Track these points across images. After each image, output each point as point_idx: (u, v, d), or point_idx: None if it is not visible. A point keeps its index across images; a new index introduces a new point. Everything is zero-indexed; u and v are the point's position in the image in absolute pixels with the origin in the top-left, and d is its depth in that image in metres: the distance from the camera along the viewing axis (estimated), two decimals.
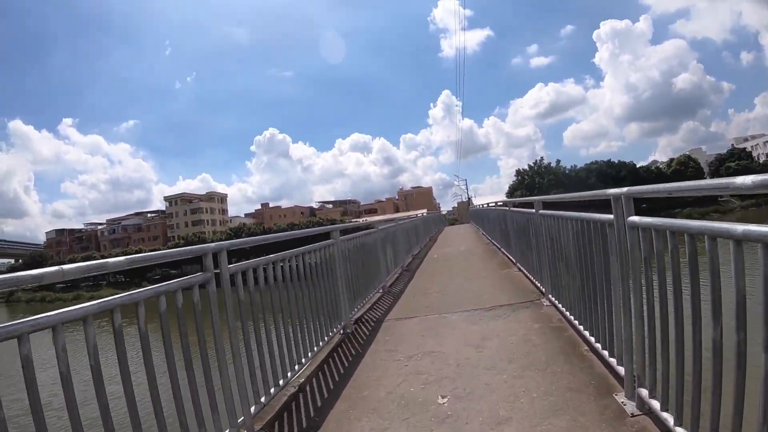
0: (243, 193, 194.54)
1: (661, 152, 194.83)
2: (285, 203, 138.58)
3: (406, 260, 12.16)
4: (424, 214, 27.19)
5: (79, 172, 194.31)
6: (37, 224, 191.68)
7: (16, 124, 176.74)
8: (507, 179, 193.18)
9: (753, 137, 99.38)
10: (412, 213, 63.90)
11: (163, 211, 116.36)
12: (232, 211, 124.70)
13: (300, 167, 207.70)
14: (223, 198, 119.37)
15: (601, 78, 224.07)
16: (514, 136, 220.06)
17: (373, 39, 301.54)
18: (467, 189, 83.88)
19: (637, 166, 78.71)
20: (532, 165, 79.76)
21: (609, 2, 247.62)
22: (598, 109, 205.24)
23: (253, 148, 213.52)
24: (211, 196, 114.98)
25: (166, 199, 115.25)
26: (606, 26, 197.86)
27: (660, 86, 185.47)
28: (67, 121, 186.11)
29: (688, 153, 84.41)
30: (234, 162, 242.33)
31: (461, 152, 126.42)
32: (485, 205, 21.09)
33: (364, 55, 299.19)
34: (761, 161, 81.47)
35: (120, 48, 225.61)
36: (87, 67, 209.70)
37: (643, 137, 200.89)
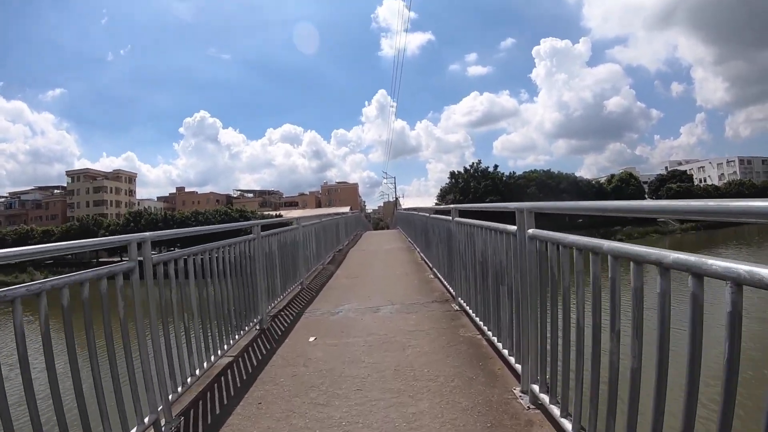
0: (168, 175, 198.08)
1: (586, 169, 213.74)
2: (210, 188, 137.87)
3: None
4: (347, 214, 25.60)
5: None
6: None
7: None
8: (435, 183, 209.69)
9: (688, 161, 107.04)
10: (331, 210, 63.59)
11: (63, 187, 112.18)
12: (149, 193, 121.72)
13: (228, 153, 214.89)
14: (131, 177, 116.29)
15: (535, 93, 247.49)
16: (444, 141, 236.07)
17: (317, 30, 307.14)
18: (395, 188, 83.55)
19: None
20: (468, 168, 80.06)
21: (551, 21, 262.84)
22: (530, 123, 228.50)
23: (182, 129, 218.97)
24: (117, 175, 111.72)
25: (68, 174, 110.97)
26: (546, 44, 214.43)
27: (591, 107, 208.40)
28: None
29: (621, 172, 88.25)
30: (161, 142, 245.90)
31: (391, 152, 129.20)
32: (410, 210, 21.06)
33: (304, 46, 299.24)
34: (702, 185, 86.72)
35: (53, 10, 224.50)
36: (16, 27, 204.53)
37: (570, 153, 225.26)
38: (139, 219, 73.08)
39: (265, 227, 6.60)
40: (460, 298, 6.38)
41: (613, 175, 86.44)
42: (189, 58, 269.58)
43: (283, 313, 7.04)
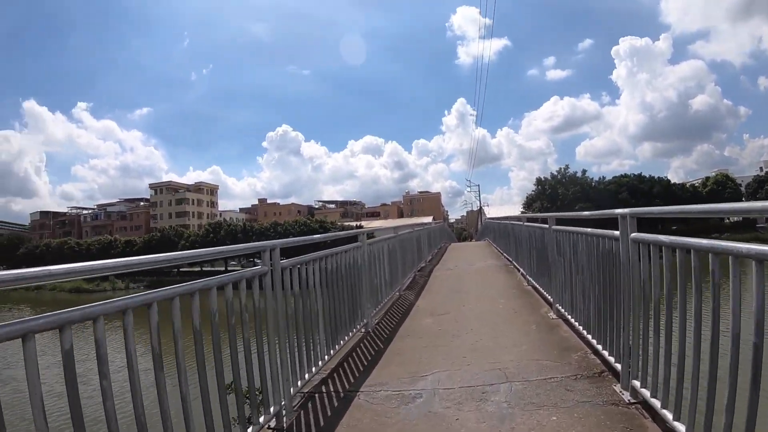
0: (252, 187, 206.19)
1: (674, 173, 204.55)
2: (293, 200, 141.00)
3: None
4: (430, 224, 21.61)
5: (91, 156, 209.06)
6: (45, 204, 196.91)
7: (31, 105, 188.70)
8: (518, 191, 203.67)
9: None
10: (413, 220, 62.85)
11: (147, 200, 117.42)
12: (234, 205, 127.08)
13: (310, 166, 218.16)
14: (213, 189, 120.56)
15: (617, 95, 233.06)
16: (526, 148, 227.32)
17: (392, 42, 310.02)
18: (479, 196, 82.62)
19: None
20: (555, 174, 78.71)
21: (629, 19, 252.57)
22: (613, 127, 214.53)
23: (265, 144, 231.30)
24: (199, 187, 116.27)
25: (151, 186, 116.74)
26: (625, 43, 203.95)
27: (676, 107, 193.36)
28: (82, 104, 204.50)
29: (716, 174, 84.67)
30: (245, 156, 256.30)
31: (473, 161, 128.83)
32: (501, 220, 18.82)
33: (381, 58, 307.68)
34: None
35: (138, 36, 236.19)
36: (104, 53, 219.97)
37: (656, 157, 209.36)
38: (219, 230, 75.64)
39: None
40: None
41: (707, 178, 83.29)
42: (269, 75, 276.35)
43: (322, 392, 4.50)
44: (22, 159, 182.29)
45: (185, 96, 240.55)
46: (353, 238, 6.65)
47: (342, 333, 5.56)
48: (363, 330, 6.47)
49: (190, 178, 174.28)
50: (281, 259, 4.04)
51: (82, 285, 64.34)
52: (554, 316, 6.66)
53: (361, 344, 6.00)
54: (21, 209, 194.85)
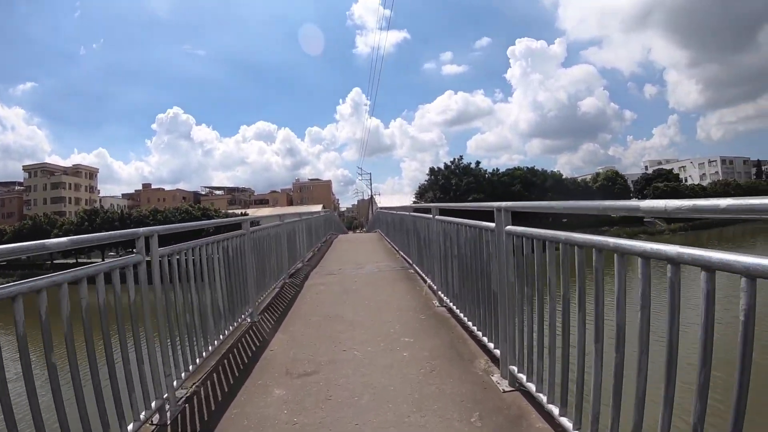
0: (140, 172, 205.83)
1: (560, 168, 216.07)
2: (182, 186, 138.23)
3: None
4: (314, 214, 18.43)
5: None
6: None
7: None
8: (409, 181, 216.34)
9: (668, 161, 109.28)
10: (302, 209, 62.14)
11: (21, 183, 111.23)
12: (121, 191, 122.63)
13: (201, 150, 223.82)
14: (92, 173, 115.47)
15: (510, 93, 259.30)
16: (419, 139, 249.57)
17: (291, 28, 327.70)
18: (371, 185, 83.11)
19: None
20: (449, 164, 79.75)
21: (527, 22, 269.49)
22: (504, 123, 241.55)
23: (154, 126, 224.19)
24: (77, 170, 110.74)
25: (25, 169, 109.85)
26: (521, 44, 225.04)
27: (566, 107, 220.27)
28: None
29: (607, 170, 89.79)
30: (134, 139, 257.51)
31: (366, 150, 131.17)
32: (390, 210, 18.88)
33: (279, 43, 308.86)
34: (688, 185, 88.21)
35: (24, 2, 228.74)
36: None
37: (544, 153, 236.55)
38: (95, 218, 72.42)
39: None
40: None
41: (598, 173, 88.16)
42: (163, 53, 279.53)
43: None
44: None
45: (73, 71, 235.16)
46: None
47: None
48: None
49: (74, 160, 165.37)
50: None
51: None
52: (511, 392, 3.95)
53: None
54: None
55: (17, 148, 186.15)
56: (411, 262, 10.66)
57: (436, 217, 6.91)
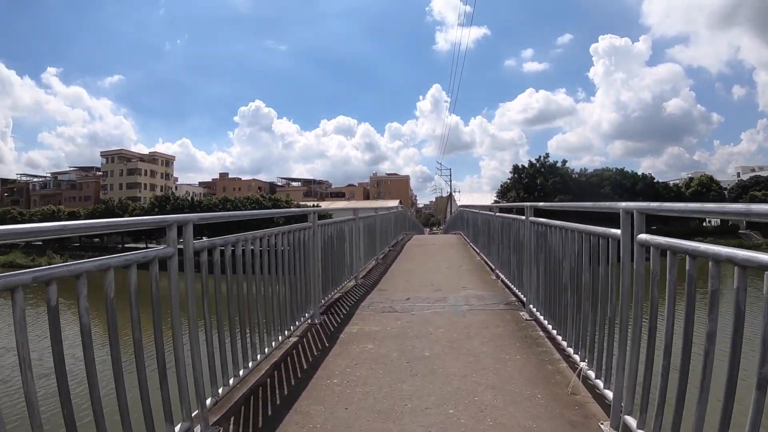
0: (222, 162, 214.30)
1: (643, 172, 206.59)
2: (262, 177, 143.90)
3: None
4: (391, 210, 18.27)
5: (59, 123, 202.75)
6: (10, 171, 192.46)
7: None
8: (488, 180, 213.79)
9: (762, 168, 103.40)
10: (378, 203, 62.05)
11: (98, 168, 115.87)
12: (201, 179, 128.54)
13: (281, 143, 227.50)
14: (168, 161, 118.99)
15: (593, 92, 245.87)
16: (498, 138, 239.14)
17: (371, 23, 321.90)
18: (451, 181, 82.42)
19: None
20: (534, 162, 76.81)
21: (610, 18, 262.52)
22: (586, 123, 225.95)
23: (236, 118, 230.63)
24: (153, 157, 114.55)
25: (102, 154, 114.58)
26: (604, 41, 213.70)
27: (650, 108, 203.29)
28: (52, 70, 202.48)
29: (701, 176, 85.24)
30: (216, 130, 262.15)
31: (445, 147, 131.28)
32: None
33: (359, 39, 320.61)
34: None
35: (112, 1, 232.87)
36: (77, 17, 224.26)
37: (626, 155, 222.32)
38: (165, 204, 74.10)
39: None
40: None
41: (691, 179, 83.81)
42: (245, 48, 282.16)
43: None
44: None
45: (158, 65, 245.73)
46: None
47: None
48: None
49: (158, 149, 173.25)
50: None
51: (16, 260, 63.45)
52: None
53: None
54: None
55: (104, 137, 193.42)
56: (523, 298, 6.94)
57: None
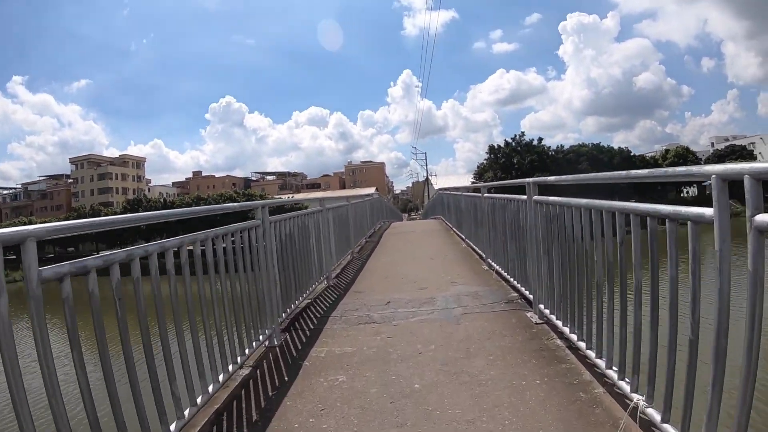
0: (195, 161, 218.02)
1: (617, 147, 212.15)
2: (237, 173, 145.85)
3: None
4: (370, 197, 18.15)
5: (27, 133, 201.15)
6: None
7: None
8: (463, 162, 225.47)
9: (735, 137, 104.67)
10: (354, 191, 61.47)
11: (68, 176, 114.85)
12: (175, 179, 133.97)
13: (254, 138, 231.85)
14: (139, 162, 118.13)
15: (563, 70, 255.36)
16: (471, 120, 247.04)
17: (338, 12, 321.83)
18: (426, 165, 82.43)
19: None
20: (510, 141, 77.01)
21: None
22: (558, 101, 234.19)
23: (208, 115, 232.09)
24: (124, 160, 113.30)
25: (71, 161, 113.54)
26: (573, 19, 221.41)
27: (621, 83, 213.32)
28: (17, 78, 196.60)
29: (677, 147, 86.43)
30: (188, 129, 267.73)
31: (418, 132, 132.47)
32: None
33: (327, 28, 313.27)
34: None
35: (74, 2, 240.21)
36: (38, 21, 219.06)
37: (599, 131, 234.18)
38: (137, 207, 73.44)
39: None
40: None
41: (667, 150, 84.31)
42: (213, 44, 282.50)
43: None
44: None
45: (125, 67, 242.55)
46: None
47: None
48: None
49: (131, 152, 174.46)
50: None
51: None
52: None
53: None
54: None
55: (75, 143, 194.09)
56: (529, 296, 5.72)
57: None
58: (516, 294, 6.34)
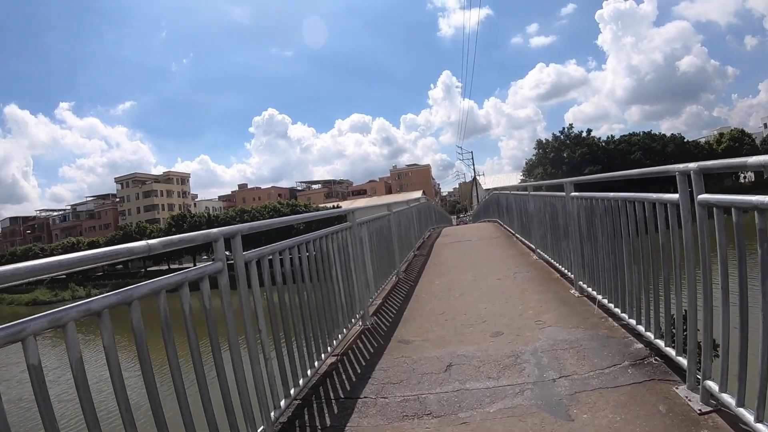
0: (242, 174, 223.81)
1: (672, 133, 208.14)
2: (284, 184, 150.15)
3: None
4: (417, 202, 16.23)
5: (77, 156, 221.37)
6: (35, 208, 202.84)
7: (12, 109, 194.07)
8: (508, 160, 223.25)
9: None
10: (401, 196, 59.79)
11: (114, 195, 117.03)
12: (223, 193, 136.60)
13: (299, 148, 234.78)
14: (184, 179, 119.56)
15: (603, 60, 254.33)
16: (514, 117, 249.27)
17: (371, 18, 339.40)
18: (473, 164, 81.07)
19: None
20: (558, 135, 75.65)
21: None
22: (600, 91, 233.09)
23: (252, 129, 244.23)
24: (168, 177, 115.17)
25: (117, 180, 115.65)
26: (609, 6, 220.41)
27: (663, 69, 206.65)
28: (64, 105, 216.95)
29: (732, 129, 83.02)
30: (233, 143, 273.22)
31: (463, 133, 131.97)
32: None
33: (363, 35, 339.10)
34: None
35: (114, 29, 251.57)
36: (82, 50, 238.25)
37: (644, 120, 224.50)
38: (182, 223, 74.25)
39: None
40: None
41: (721, 135, 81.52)
42: (251, 59, 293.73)
43: None
44: (9, 165, 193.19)
45: (167, 87, 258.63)
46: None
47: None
48: None
49: (178, 168, 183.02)
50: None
51: (38, 297, 63.47)
52: None
53: None
54: (10, 216, 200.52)
55: (123, 163, 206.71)
56: (684, 364, 3.30)
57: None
58: (642, 345, 4.12)
